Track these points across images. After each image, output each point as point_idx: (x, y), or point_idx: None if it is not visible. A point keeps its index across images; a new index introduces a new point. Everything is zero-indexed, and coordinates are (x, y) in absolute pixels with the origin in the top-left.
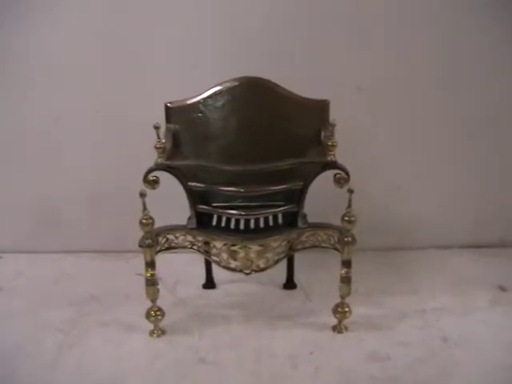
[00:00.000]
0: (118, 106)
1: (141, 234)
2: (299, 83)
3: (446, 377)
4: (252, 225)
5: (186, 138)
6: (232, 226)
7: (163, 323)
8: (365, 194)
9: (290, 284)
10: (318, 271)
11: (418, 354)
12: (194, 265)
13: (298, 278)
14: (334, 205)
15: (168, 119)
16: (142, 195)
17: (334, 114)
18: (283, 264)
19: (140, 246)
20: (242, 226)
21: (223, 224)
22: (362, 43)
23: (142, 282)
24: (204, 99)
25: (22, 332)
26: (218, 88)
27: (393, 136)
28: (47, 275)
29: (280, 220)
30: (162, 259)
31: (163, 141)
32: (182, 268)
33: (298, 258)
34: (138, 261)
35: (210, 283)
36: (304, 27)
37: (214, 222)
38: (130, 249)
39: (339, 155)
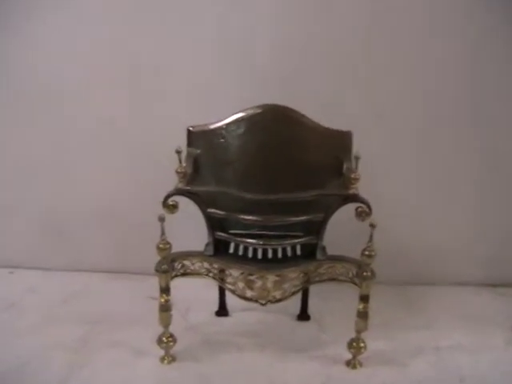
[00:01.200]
0: (136, 128)
1: (153, 256)
2: (319, 111)
3: None
4: (270, 254)
5: (206, 163)
6: (250, 254)
7: (174, 349)
8: (381, 226)
9: (303, 315)
10: (332, 303)
11: None
12: (208, 290)
13: (311, 309)
14: (352, 237)
15: (189, 143)
16: (161, 220)
17: (356, 144)
18: (297, 294)
19: (156, 270)
20: (259, 256)
21: (240, 252)
22: (383, 71)
23: (154, 304)
24: (226, 125)
25: (30, 350)
26: (240, 114)
27: (412, 168)
28: (58, 292)
29: (298, 251)
30: (175, 283)
31: (184, 165)
32: (195, 293)
33: (313, 288)
34: (151, 283)
35: (222, 310)
36: (325, 55)
37: (232, 250)
38: (143, 271)
39: (362, 186)
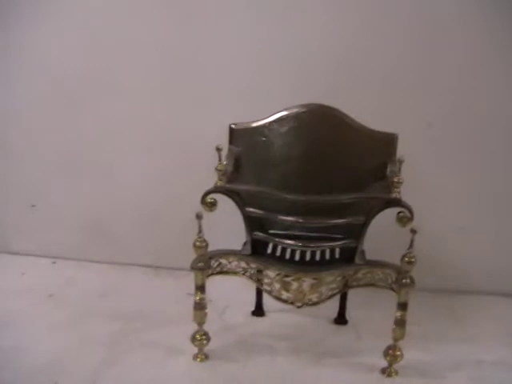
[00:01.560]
0: (176, 127)
1: (192, 253)
2: (369, 114)
3: None
4: (308, 257)
5: (248, 162)
6: (287, 256)
7: (207, 347)
8: (425, 232)
9: (341, 319)
10: (371, 309)
11: None
12: (246, 290)
13: (349, 313)
14: (393, 242)
15: (231, 141)
16: (199, 217)
17: (401, 149)
18: (336, 298)
19: (192, 268)
20: (297, 257)
21: (278, 253)
22: (435, 78)
23: (191, 302)
24: (269, 123)
25: (64, 344)
26: (284, 113)
27: (459, 175)
28: (96, 286)
29: (337, 254)
30: (213, 281)
31: (225, 163)
32: (233, 292)
33: (352, 293)
34: (189, 280)
35: (259, 311)
36: (378, 58)
37: (269, 250)
38: (181, 267)
39: (402, 191)
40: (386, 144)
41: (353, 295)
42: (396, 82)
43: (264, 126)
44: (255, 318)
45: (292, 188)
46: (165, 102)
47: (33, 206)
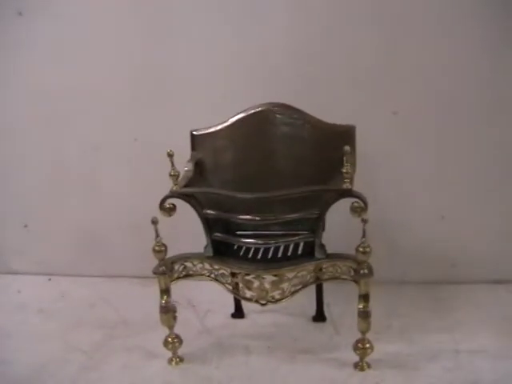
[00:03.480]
0: (155, 134)
1: None
2: (333, 108)
3: None
4: (270, 254)
5: (211, 166)
6: (250, 255)
7: (184, 351)
8: (406, 224)
9: (319, 317)
10: (352, 304)
11: None
12: (229, 294)
13: (330, 310)
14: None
15: (194, 147)
16: (154, 222)
17: (368, 140)
18: (313, 295)
19: (154, 273)
20: (259, 256)
21: (241, 253)
22: (398, 68)
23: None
24: (228, 126)
25: (49, 353)
26: (242, 115)
27: (434, 163)
28: (86, 298)
29: (300, 250)
30: (197, 287)
31: (186, 168)
32: (215, 296)
33: (332, 290)
34: (173, 287)
35: (238, 313)
36: (340, 49)
37: (234, 252)
38: None
39: (374, 184)
40: (345, 136)
41: (333, 291)
42: (359, 73)
43: (223, 129)
44: (235, 320)
45: (255, 188)
46: (142, 112)
47: (25, 226)
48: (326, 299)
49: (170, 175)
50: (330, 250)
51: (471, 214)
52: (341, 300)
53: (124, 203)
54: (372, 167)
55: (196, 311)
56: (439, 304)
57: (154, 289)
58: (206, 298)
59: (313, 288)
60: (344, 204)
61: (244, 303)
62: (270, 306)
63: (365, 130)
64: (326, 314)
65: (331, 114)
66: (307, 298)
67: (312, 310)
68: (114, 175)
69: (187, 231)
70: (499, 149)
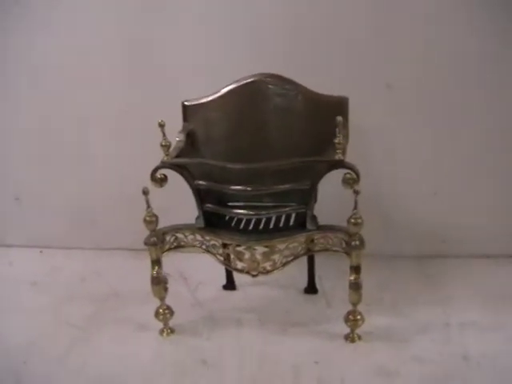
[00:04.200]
0: (144, 106)
1: None
2: (326, 79)
3: None
4: (262, 225)
5: (203, 137)
6: (242, 226)
7: (175, 323)
8: (399, 199)
9: (311, 289)
10: (344, 278)
11: (432, 372)
12: (221, 266)
13: (322, 283)
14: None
15: (186, 118)
16: (145, 193)
17: (363, 113)
18: (305, 268)
19: (145, 243)
20: (251, 227)
21: (233, 224)
22: (392, 40)
23: (170, 281)
24: (220, 97)
25: (41, 326)
26: (234, 85)
27: (428, 139)
28: (78, 271)
29: (291, 222)
30: (189, 259)
31: (177, 139)
32: (207, 269)
33: (324, 263)
34: (167, 260)
35: (230, 284)
36: (334, 20)
37: (226, 223)
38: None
39: (368, 158)
40: (338, 108)
41: (325, 264)
42: (352, 45)
43: (216, 100)
44: (226, 292)
45: (247, 159)
46: (133, 84)
47: (16, 198)
48: (318, 272)
49: (161, 145)
50: (322, 223)
51: (464, 190)
52: (333, 273)
53: (116, 175)
54: (365, 140)
55: (188, 284)
56: (430, 278)
57: (146, 261)
58: (197, 270)
59: (304, 261)
60: (336, 176)
61: (236, 275)
62: (262, 279)
63: (358, 102)
64: (318, 286)
65: (324, 87)
66: (299, 270)
67: (304, 282)
68: (105, 147)
69: (179, 203)
70: (494, 125)
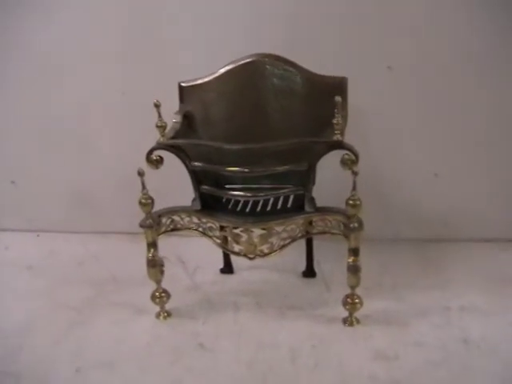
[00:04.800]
0: (143, 87)
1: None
2: (326, 60)
3: None
4: (259, 208)
5: (200, 118)
6: (239, 208)
7: (172, 306)
8: (399, 182)
9: (309, 272)
10: (343, 262)
11: (431, 356)
12: (218, 250)
13: (321, 267)
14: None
15: (182, 99)
16: (141, 174)
17: (363, 95)
18: (303, 251)
19: (141, 226)
20: (248, 209)
21: (230, 206)
22: (393, 21)
23: (168, 264)
24: (217, 78)
25: (37, 309)
26: (231, 66)
27: (429, 120)
28: (75, 255)
29: (289, 204)
30: (186, 243)
31: (174, 120)
32: (205, 252)
33: (323, 247)
34: (164, 243)
35: (227, 268)
36: (333, 5)
37: (223, 205)
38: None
39: (368, 140)
40: (337, 89)
41: (323, 248)
42: (353, 24)
43: (212, 81)
44: (224, 276)
45: (245, 141)
46: (130, 66)
47: (12, 182)
48: (317, 256)
49: (157, 126)
50: (320, 205)
51: (465, 172)
52: (331, 257)
53: (113, 158)
54: (365, 122)
55: (185, 267)
56: (431, 262)
57: (143, 245)
58: (195, 254)
59: (303, 244)
60: (335, 159)
61: (233, 259)
62: (260, 262)
63: (358, 84)
64: (317, 270)
65: (323, 68)
66: (297, 254)
67: (302, 266)
68: (102, 130)
69: (176, 185)
70: (496, 107)
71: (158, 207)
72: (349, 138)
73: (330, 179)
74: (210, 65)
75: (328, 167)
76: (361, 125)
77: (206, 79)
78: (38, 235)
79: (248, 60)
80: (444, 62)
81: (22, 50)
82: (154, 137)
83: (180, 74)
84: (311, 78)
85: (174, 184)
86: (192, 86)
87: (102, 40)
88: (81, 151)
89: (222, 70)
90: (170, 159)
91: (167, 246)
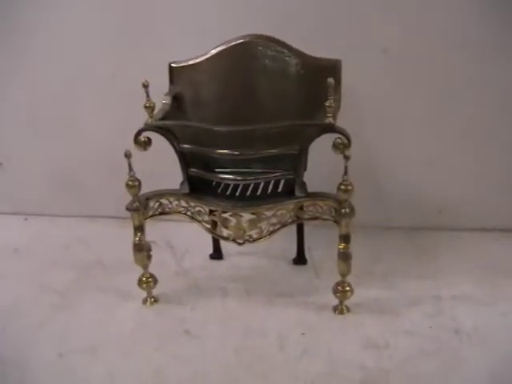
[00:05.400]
0: (133, 69)
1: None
2: (319, 42)
3: (447, 374)
4: (249, 192)
5: (190, 100)
6: (228, 192)
7: (160, 292)
8: (393, 168)
9: (299, 259)
10: (334, 249)
11: (421, 346)
12: (208, 235)
13: (312, 254)
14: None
15: (172, 80)
16: (127, 156)
17: (357, 79)
18: (294, 238)
19: (127, 209)
20: (238, 193)
21: (219, 190)
22: (389, 3)
23: (155, 249)
24: (208, 59)
25: (21, 292)
26: (222, 47)
27: (424, 106)
28: (62, 239)
29: (280, 188)
30: (175, 228)
31: (163, 101)
32: (194, 238)
33: (314, 234)
34: (153, 228)
35: (217, 253)
36: None
37: (212, 189)
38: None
39: (362, 124)
40: (330, 71)
41: (315, 235)
42: (347, 5)
43: (203, 62)
44: (213, 262)
45: (235, 123)
46: (120, 47)
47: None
48: (308, 243)
49: (145, 107)
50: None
51: (459, 160)
52: (323, 244)
53: (101, 141)
54: (359, 106)
55: (174, 252)
56: (424, 250)
57: (131, 230)
58: (184, 239)
59: (294, 231)
60: (328, 145)
61: (223, 245)
62: (250, 248)
63: (352, 67)
64: (307, 257)
65: (317, 50)
66: (288, 241)
67: (293, 253)
68: (91, 113)
69: (166, 169)
70: (492, 93)
71: (147, 190)
72: (342, 122)
73: (322, 164)
74: (202, 45)
75: (321, 152)
76: (355, 109)
77: (197, 60)
78: (25, 219)
79: (240, 41)
80: (440, 47)
81: (6, 34)
82: (143, 119)
83: (171, 55)
84: (304, 60)
85: (164, 167)
86: (182, 66)
87: (91, 18)
88: (68, 134)
89: (214, 51)
90: (160, 141)
91: (156, 230)
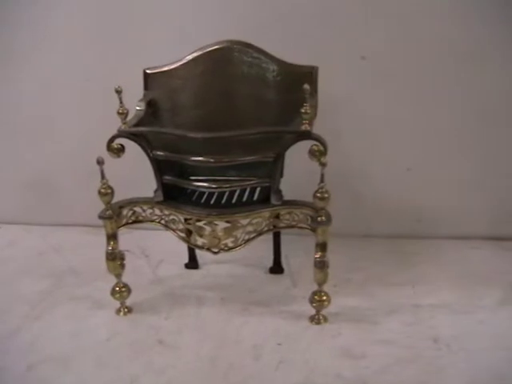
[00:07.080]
0: (108, 74)
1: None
2: (297, 49)
3: (425, 383)
4: (224, 200)
5: (165, 106)
6: (203, 200)
7: (134, 301)
8: (371, 175)
9: (276, 268)
10: (312, 257)
11: (399, 355)
12: (184, 244)
13: (289, 262)
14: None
15: (147, 86)
16: (100, 163)
17: (335, 86)
18: (270, 247)
19: (100, 217)
20: (213, 201)
21: (194, 198)
22: (368, 10)
23: (129, 258)
24: (183, 65)
25: None
26: (198, 53)
27: (402, 112)
28: (35, 247)
29: (256, 196)
30: (150, 237)
31: (138, 108)
32: (169, 246)
33: (291, 242)
34: (128, 237)
35: (192, 263)
36: None
37: (187, 197)
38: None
39: (339, 131)
40: (307, 78)
41: (292, 243)
42: (326, 14)
43: (178, 68)
44: (188, 271)
45: (211, 130)
46: (94, 52)
47: None
48: (285, 251)
49: (118, 113)
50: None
51: (438, 167)
52: (300, 252)
53: (75, 148)
54: (337, 114)
55: (149, 261)
56: (402, 259)
57: (105, 238)
58: (160, 248)
59: (271, 239)
60: (304, 151)
61: (199, 254)
62: (227, 257)
63: (330, 74)
64: (284, 266)
65: (295, 57)
66: (265, 249)
67: (270, 261)
68: (65, 118)
69: (141, 176)
70: (470, 100)
71: (121, 197)
72: (320, 130)
73: (299, 171)
74: (178, 51)
75: (297, 159)
76: (333, 116)
77: (173, 66)
78: None
79: (216, 47)
80: (418, 53)
81: None
82: (117, 125)
83: (146, 60)
84: (281, 67)
85: (140, 174)
86: (157, 72)
87: (66, 21)
88: (42, 141)
89: (189, 57)
90: (135, 148)
91: (132, 238)
